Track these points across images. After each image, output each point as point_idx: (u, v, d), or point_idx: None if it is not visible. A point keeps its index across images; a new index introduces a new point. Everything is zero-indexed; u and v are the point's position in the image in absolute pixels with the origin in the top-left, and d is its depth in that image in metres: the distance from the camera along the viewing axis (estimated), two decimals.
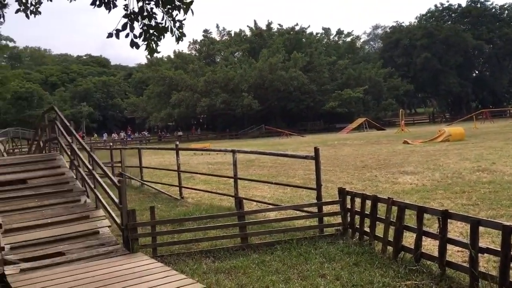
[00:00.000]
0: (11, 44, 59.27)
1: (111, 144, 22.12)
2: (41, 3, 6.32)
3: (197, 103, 59.52)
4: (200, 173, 13.53)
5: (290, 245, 6.37)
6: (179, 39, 5.61)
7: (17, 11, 6.18)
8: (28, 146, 16.65)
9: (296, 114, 64.67)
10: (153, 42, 5.53)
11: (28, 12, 6.22)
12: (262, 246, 6.51)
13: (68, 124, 9.63)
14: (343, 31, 77.30)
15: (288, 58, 61.40)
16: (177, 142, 12.48)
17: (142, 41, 5.48)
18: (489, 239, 6.04)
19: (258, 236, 6.90)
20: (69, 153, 9.17)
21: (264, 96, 61.71)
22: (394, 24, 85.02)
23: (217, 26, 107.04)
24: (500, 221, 4.72)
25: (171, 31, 5.54)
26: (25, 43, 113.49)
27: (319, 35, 75.61)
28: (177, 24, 5.55)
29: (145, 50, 5.55)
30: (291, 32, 71.59)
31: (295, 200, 10.12)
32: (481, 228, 4.59)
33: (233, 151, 9.78)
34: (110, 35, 5.33)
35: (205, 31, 76.23)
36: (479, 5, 76.54)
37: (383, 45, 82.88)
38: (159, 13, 5.50)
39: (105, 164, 13.86)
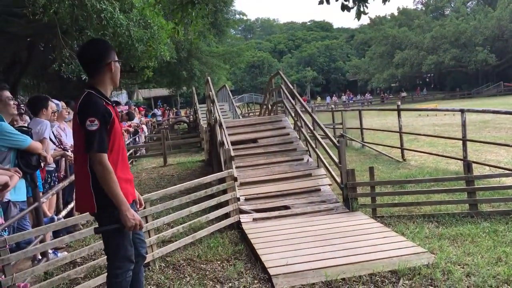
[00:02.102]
0: (244, 18, 65.23)
1: (333, 106, 22.63)
2: None
3: (423, 61, 56.01)
4: (424, 135, 12.78)
5: None
6: (385, 0, 5.38)
7: None
8: (259, 110, 18.31)
9: None
10: (361, 5, 5.37)
11: None
12: (495, 214, 5.83)
13: (292, 88, 10.19)
14: None
15: None
16: (399, 103, 12.01)
17: (352, 3, 5.37)
18: None
19: (490, 204, 6.20)
20: (293, 115, 9.71)
21: (504, 49, 54.23)
22: None
23: None
24: None
25: None
26: (257, 15, 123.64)
27: None
28: None
29: (355, 13, 5.42)
30: None
31: None
32: None
33: (462, 110, 8.92)
34: (321, 2, 5.37)
35: None
36: None
37: None
38: None
39: (327, 125, 14.31)
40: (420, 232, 5.41)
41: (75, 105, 2.99)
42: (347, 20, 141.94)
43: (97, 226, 3.11)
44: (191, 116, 26.81)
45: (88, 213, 3.25)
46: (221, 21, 27.41)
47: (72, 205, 6.24)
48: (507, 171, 7.61)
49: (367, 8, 5.44)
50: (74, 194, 3.22)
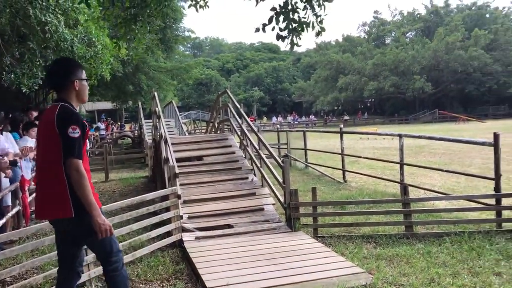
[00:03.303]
0: (193, 35, 65.44)
1: (279, 126, 23.00)
2: None
3: (365, 86, 58.18)
4: (365, 158, 13.22)
5: (460, 237, 5.85)
6: (319, 34, 5.62)
7: (189, 6, 6.74)
8: (206, 127, 18.28)
9: (476, 97, 58.81)
10: (294, 36, 5.59)
11: (198, 6, 6.72)
12: (429, 236, 6.10)
13: (239, 107, 10.27)
14: None
15: (468, 36, 55.97)
16: (341, 126, 12.39)
17: (287, 34, 5.57)
18: None
19: (425, 226, 6.49)
20: (239, 133, 9.77)
21: (439, 78, 57.48)
22: None
23: (389, 6, 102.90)
24: None
25: (312, 26, 5.55)
26: (206, 34, 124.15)
27: (506, 9, 67.22)
28: (319, 19, 5.54)
29: (288, 44, 5.63)
30: (472, 8, 65.07)
31: (469, 191, 9.27)
32: None
33: (400, 135, 9.34)
34: (257, 30, 5.52)
35: (375, 12, 74.02)
36: None
37: None
38: (301, 7, 5.56)
39: (272, 145, 14.49)
40: (359, 253, 5.56)
41: (47, 115, 3.18)
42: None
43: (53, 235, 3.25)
44: (136, 131, 26.31)
45: (48, 220, 3.37)
46: (170, 37, 27.30)
47: (3, 220, 5.92)
48: (441, 195, 8.02)
49: (300, 39, 5.65)
50: (37, 200, 3.22)
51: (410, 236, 6.09)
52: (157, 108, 10.64)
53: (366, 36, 72.58)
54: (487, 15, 64.12)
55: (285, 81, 78.80)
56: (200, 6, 6.75)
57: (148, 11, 6.31)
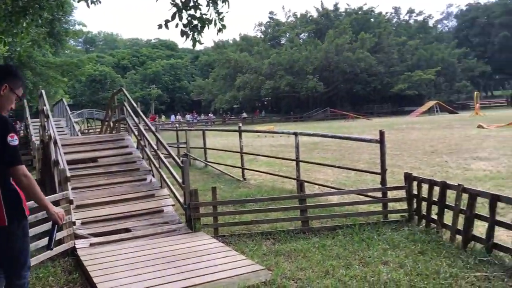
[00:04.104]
0: (84, 29, 62.27)
1: (177, 125, 22.72)
2: None
3: (262, 85, 59.60)
4: (263, 155, 13.55)
5: (352, 230, 6.22)
6: (220, 30, 5.68)
7: (79, 0, 6.36)
8: (100, 127, 17.46)
9: (363, 96, 63.09)
10: (196, 33, 5.58)
11: (89, 1, 6.36)
12: (323, 230, 6.41)
13: (135, 105, 9.95)
14: (414, 10, 74.22)
15: (355, 39, 59.78)
16: (240, 124, 12.56)
17: (189, 31, 5.54)
18: None
19: (319, 220, 6.80)
20: (136, 133, 9.47)
21: (330, 78, 60.68)
22: (471, 1, 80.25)
23: (283, 8, 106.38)
24: None
25: (214, 23, 5.58)
26: (99, 28, 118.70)
27: (388, 14, 73.05)
28: (220, 16, 5.58)
29: (190, 40, 5.60)
30: (359, 12, 69.59)
31: (358, 185, 9.88)
32: None
33: (296, 134, 9.68)
34: (160, 26, 5.41)
35: (271, 12, 76.10)
36: None
37: (458, 24, 78.69)
38: (203, 4, 5.56)
39: (171, 145, 14.26)
40: (259, 250, 5.67)
41: None
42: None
43: None
44: (22, 132, 24.34)
45: None
46: (59, 31, 25.66)
47: None
48: (334, 190, 8.45)
49: (202, 37, 5.63)
50: None
51: (307, 231, 6.35)
52: (45, 107, 9.92)
53: (263, 36, 74.30)
54: (372, 20, 68.99)
55: (184, 79, 78.07)
56: (92, 2, 6.40)
57: (39, 3, 5.84)
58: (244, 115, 62.95)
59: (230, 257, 5.24)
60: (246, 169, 11.85)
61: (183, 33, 5.50)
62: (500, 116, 34.50)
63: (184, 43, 5.57)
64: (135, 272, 4.86)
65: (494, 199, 5.01)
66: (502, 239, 5.29)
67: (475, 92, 46.39)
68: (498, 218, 5.14)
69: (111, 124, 12.38)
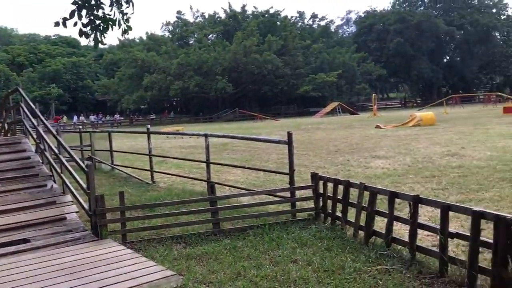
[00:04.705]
0: None
1: (81, 127, 21.62)
2: None
3: (170, 86, 58.66)
4: (172, 157, 13.35)
5: (262, 230, 6.32)
6: (125, 32, 5.47)
7: None
8: None
9: (270, 97, 64.60)
10: (99, 33, 5.33)
11: None
12: (234, 231, 6.45)
13: (34, 106, 9.31)
14: (317, 15, 77.51)
15: (263, 41, 61.00)
16: (149, 126, 12.27)
17: (90, 30, 5.27)
18: (458, 223, 6.13)
19: (230, 221, 6.83)
20: (35, 136, 8.86)
21: (238, 80, 61.33)
22: (368, 9, 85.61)
23: (191, 8, 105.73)
24: (469, 206, 4.77)
25: (118, 24, 5.36)
26: None
27: (293, 18, 75.49)
28: (125, 17, 5.38)
29: (92, 40, 5.34)
30: (266, 15, 71.16)
31: (268, 185, 10.09)
32: (450, 213, 4.61)
33: (206, 135, 9.65)
34: (57, 24, 5.09)
35: (178, 12, 75.12)
36: None
37: (357, 29, 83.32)
38: (106, 3, 5.32)
39: (74, 148, 13.54)
40: (169, 255, 5.57)
41: None
42: None
43: None
44: None
45: None
46: None
47: None
48: (244, 191, 8.55)
49: (104, 37, 5.39)
50: None
51: (218, 233, 6.35)
52: None
53: (170, 36, 73.22)
54: (278, 23, 70.84)
55: (87, 78, 74.33)
56: None
57: None
58: (153, 116, 61.56)
59: (140, 263, 5.08)
60: (155, 171, 11.59)
61: (81, 33, 5.21)
62: (395, 116, 37.15)
63: (89, 43, 5.16)
64: (36, 285, 4.54)
65: (392, 196, 5.37)
66: (400, 233, 5.67)
67: (373, 94, 49.45)
68: (396, 213, 5.52)
69: (6, 126, 11.46)
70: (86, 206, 6.58)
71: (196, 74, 58.62)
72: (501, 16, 78.84)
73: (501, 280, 3.85)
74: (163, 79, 59.18)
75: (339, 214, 6.36)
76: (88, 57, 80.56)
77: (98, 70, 77.63)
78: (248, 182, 10.65)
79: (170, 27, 74.85)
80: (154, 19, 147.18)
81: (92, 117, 59.29)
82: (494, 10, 78.22)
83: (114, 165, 13.49)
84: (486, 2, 78.42)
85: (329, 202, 6.64)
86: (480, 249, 4.22)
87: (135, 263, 5.09)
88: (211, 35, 71.37)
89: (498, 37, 79.52)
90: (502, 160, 11.31)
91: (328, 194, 6.65)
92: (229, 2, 73.37)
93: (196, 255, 5.52)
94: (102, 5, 5.25)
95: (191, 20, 75.63)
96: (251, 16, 72.28)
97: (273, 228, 6.37)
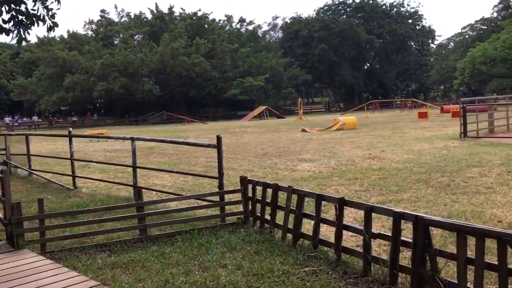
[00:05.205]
0: None
1: None
2: None
3: (94, 87, 56.53)
4: (96, 161, 12.82)
5: (191, 235, 6.24)
6: (51, 29, 5.17)
7: None
8: None
9: (198, 100, 64.25)
10: (22, 30, 4.99)
11: None
12: (162, 237, 6.30)
13: None
14: (245, 19, 78.34)
15: (191, 44, 60.57)
16: (71, 128, 11.71)
17: (12, 27, 4.93)
18: (380, 223, 6.41)
19: (158, 227, 6.67)
20: None
21: (166, 82, 60.40)
22: (294, 15, 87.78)
23: (115, 7, 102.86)
24: (391, 208, 5.00)
25: (43, 20, 5.06)
26: None
27: (221, 22, 75.68)
28: (50, 13, 5.09)
29: (15, 37, 5.00)
30: (194, 17, 70.77)
31: (196, 189, 9.98)
32: (373, 214, 4.81)
33: (132, 139, 9.36)
34: None
35: (102, 11, 72.75)
36: (371, 1, 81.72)
37: (283, 35, 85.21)
38: None
39: None
40: (93, 264, 5.33)
41: None
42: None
43: None
44: None
45: None
46: None
47: None
48: (172, 196, 8.40)
49: (29, 34, 5.06)
50: None
51: (145, 239, 6.17)
52: None
53: (94, 35, 70.60)
54: (206, 26, 70.70)
55: (2, 78, 69.64)
56: None
57: None
58: (74, 118, 58.96)
59: (60, 274, 4.82)
60: (77, 176, 11.08)
61: (2, 30, 4.85)
62: (320, 120, 38.36)
63: (12, 41, 4.75)
64: None
65: (319, 199, 5.51)
66: (326, 235, 5.83)
67: (299, 99, 50.87)
68: (322, 215, 5.67)
69: None
70: (0, 215, 6.15)
71: (122, 75, 56.96)
72: (417, 27, 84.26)
73: (420, 277, 4.06)
74: (86, 79, 56.92)
75: (268, 217, 6.42)
76: (3, 55, 75.52)
77: (15, 69, 72.98)
78: (176, 186, 10.48)
79: (94, 26, 72.21)
80: (77, 18, 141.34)
81: (7, 119, 55.66)
82: (410, 21, 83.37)
83: (32, 170, 12.73)
84: (403, 13, 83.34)
85: (258, 205, 6.68)
86: (401, 248, 4.43)
87: (55, 274, 4.82)
88: (137, 36, 69.73)
89: (414, 46, 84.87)
90: (418, 162, 12.02)
91: (257, 198, 6.70)
92: (155, 3, 72.06)
93: (122, 263, 5.33)
94: (24, 0, 4.91)
95: (116, 19, 73.56)
96: (178, 18, 71.59)
97: (202, 233, 6.31)
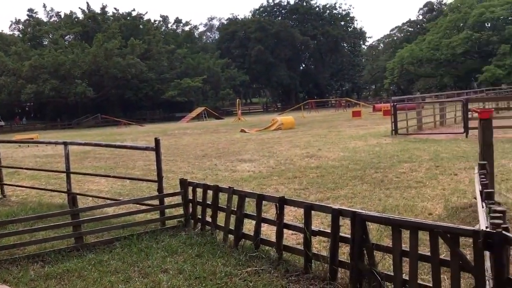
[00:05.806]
0: None
1: None
2: None
3: (22, 89, 53.74)
4: (26, 168, 12.19)
5: (130, 241, 6.07)
6: None
7: None
8: None
9: (135, 102, 62.84)
10: None
11: None
12: (100, 244, 6.08)
13: None
14: (181, 20, 77.54)
15: (125, 45, 59.07)
16: None
17: None
18: (319, 220, 6.55)
19: (95, 234, 6.43)
20: None
21: (100, 84, 58.55)
22: (230, 16, 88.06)
23: (44, 6, 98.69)
24: (329, 205, 5.12)
25: None
26: None
27: (157, 22, 74.46)
28: None
29: None
30: (128, 18, 69.14)
31: (135, 193, 9.74)
32: (313, 212, 4.91)
33: (65, 143, 8.97)
34: None
35: (30, 10, 69.31)
36: (305, 4, 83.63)
37: (220, 36, 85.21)
38: None
39: None
40: (25, 276, 5.06)
41: None
42: None
43: None
44: None
45: None
46: None
47: None
48: (109, 201, 8.14)
49: None
50: None
51: (81, 248, 5.93)
52: None
53: (21, 35, 67.14)
54: (141, 26, 69.27)
55: None
56: None
57: None
58: (2, 122, 55.68)
59: None
60: (5, 184, 10.46)
61: None
62: (258, 121, 38.70)
63: None
64: None
65: (260, 199, 5.54)
66: (267, 234, 5.88)
67: (237, 100, 51.02)
68: (263, 215, 5.71)
69: None
70: None
71: (52, 77, 54.56)
72: (349, 28, 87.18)
73: (358, 272, 4.19)
74: (13, 82, 54.04)
75: (209, 219, 6.38)
76: None
77: None
78: (114, 191, 10.17)
79: (21, 26, 68.69)
80: (2, 17, 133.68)
81: None
82: (342, 23, 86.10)
83: None
84: (335, 15, 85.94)
85: (199, 207, 6.62)
86: (340, 244, 4.55)
87: None
88: (68, 36, 67.09)
89: (346, 47, 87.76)
90: (353, 160, 12.42)
91: (198, 200, 6.64)
92: (87, 2, 69.70)
93: (57, 273, 5.09)
94: None
95: (45, 19, 70.37)
96: (111, 18, 69.61)
97: (141, 238, 6.16)
